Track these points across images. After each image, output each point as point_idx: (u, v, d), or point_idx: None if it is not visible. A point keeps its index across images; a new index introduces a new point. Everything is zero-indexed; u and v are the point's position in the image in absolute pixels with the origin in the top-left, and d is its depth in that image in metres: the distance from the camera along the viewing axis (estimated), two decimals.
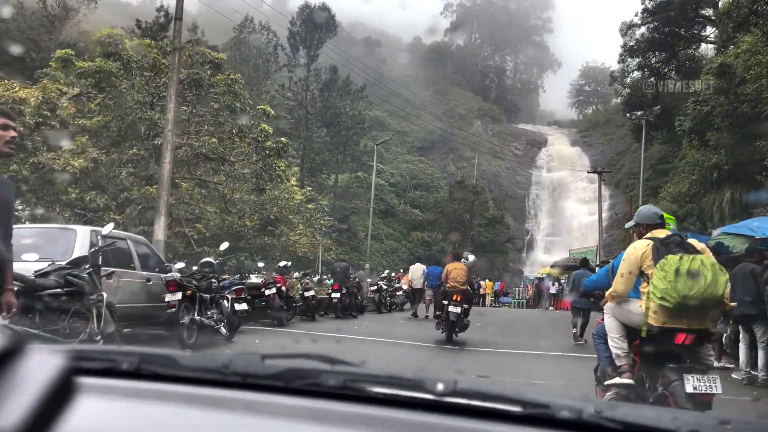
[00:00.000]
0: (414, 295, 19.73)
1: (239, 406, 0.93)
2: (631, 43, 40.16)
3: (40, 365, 0.75)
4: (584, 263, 14.19)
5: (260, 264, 16.93)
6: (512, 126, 75.70)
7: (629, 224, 4.97)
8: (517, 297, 37.59)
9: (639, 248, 4.28)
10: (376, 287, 19.92)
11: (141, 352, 1.03)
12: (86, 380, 0.85)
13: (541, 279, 34.96)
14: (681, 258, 3.93)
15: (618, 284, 4.37)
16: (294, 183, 20.32)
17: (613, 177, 55.94)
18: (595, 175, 59.95)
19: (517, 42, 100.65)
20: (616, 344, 4.46)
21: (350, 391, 0.97)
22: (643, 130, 34.05)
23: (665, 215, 5.02)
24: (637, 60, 40.39)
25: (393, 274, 24.44)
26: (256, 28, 49.91)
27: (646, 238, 4.34)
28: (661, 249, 4.11)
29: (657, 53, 40.02)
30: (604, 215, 52.82)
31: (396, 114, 68.67)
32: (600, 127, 70.34)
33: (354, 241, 46.88)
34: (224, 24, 50.20)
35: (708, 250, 4.24)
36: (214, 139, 14.91)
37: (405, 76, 79.23)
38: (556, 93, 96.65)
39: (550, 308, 30.06)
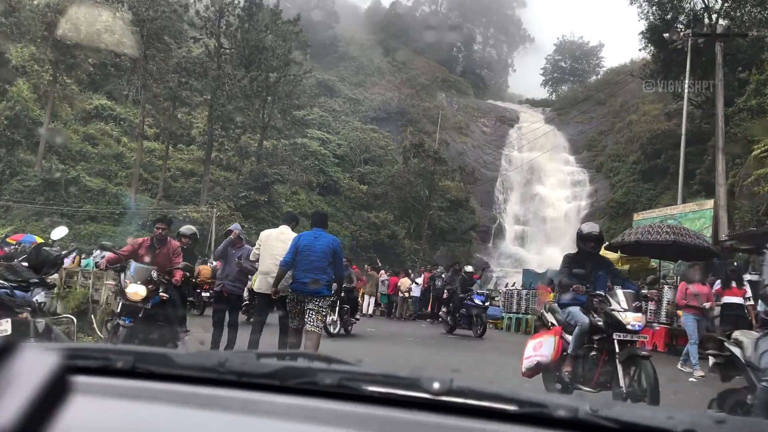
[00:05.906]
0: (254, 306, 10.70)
1: (234, 405, 1.03)
2: None
3: (35, 363, 0.84)
4: None
5: None
6: (480, 101, 76.20)
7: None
8: (513, 307, 23.06)
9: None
10: None
11: (136, 350, 1.12)
12: (81, 379, 0.94)
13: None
14: None
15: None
16: None
17: (594, 159, 56.84)
18: (573, 157, 60.23)
19: (486, 14, 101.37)
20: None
21: (346, 389, 1.08)
22: (688, 54, 24.42)
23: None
24: None
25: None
26: None
27: None
28: None
29: None
30: (582, 204, 53.25)
31: (348, 80, 68.23)
32: (578, 104, 71.44)
33: (277, 219, 43.72)
34: None
35: None
36: None
37: (360, 38, 78.86)
38: (528, 73, 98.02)
39: None
